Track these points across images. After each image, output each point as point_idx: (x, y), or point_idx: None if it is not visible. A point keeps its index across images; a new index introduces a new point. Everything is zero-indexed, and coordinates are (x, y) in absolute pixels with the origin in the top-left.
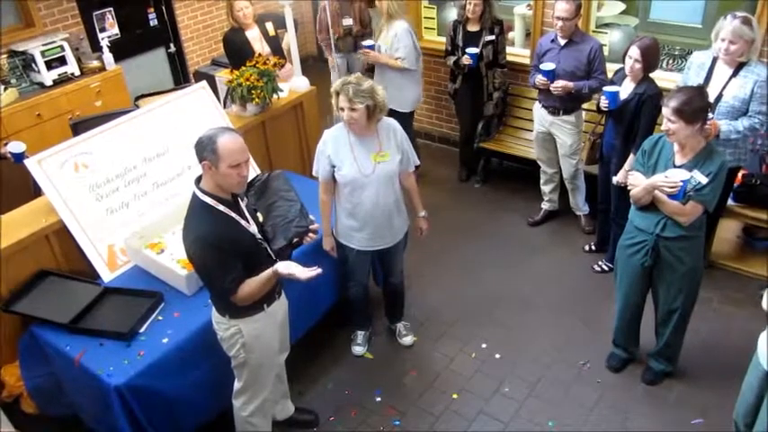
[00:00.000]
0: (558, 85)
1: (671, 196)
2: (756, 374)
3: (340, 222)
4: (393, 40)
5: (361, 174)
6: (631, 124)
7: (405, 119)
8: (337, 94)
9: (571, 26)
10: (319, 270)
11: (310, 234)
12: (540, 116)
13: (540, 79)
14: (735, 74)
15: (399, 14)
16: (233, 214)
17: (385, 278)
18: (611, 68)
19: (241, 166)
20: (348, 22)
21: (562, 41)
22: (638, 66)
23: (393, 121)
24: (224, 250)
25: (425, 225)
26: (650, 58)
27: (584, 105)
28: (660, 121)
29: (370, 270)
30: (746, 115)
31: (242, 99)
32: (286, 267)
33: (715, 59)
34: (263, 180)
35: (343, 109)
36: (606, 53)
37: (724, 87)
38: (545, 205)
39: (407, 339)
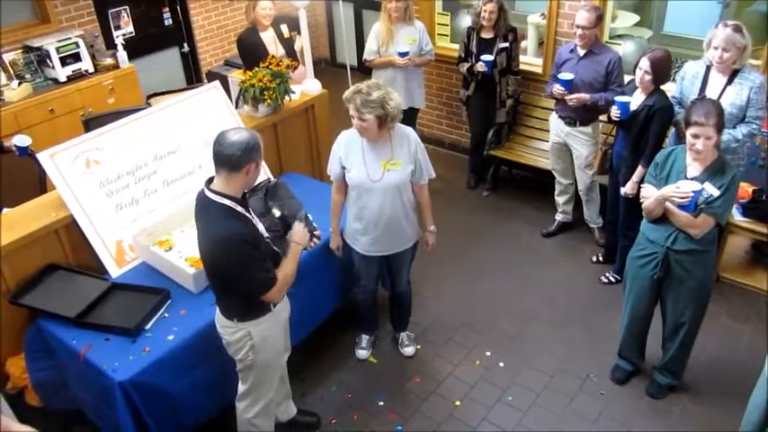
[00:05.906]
0: (574, 97)
1: (682, 207)
2: (764, 393)
3: (348, 224)
4: (422, 36)
5: (369, 179)
6: (640, 136)
7: (417, 114)
8: (348, 102)
9: (591, 36)
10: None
11: (314, 240)
12: (556, 127)
13: (557, 89)
14: (730, 81)
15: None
16: (248, 214)
17: (391, 286)
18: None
19: None
20: None
21: (581, 52)
22: (648, 77)
23: (410, 131)
24: (254, 246)
25: (432, 240)
26: (660, 71)
27: (601, 117)
28: (669, 134)
29: (378, 277)
30: (744, 122)
31: (254, 100)
32: (295, 235)
33: (708, 68)
34: (268, 186)
35: (353, 117)
36: None
37: (720, 95)
38: (559, 216)
39: (408, 350)
